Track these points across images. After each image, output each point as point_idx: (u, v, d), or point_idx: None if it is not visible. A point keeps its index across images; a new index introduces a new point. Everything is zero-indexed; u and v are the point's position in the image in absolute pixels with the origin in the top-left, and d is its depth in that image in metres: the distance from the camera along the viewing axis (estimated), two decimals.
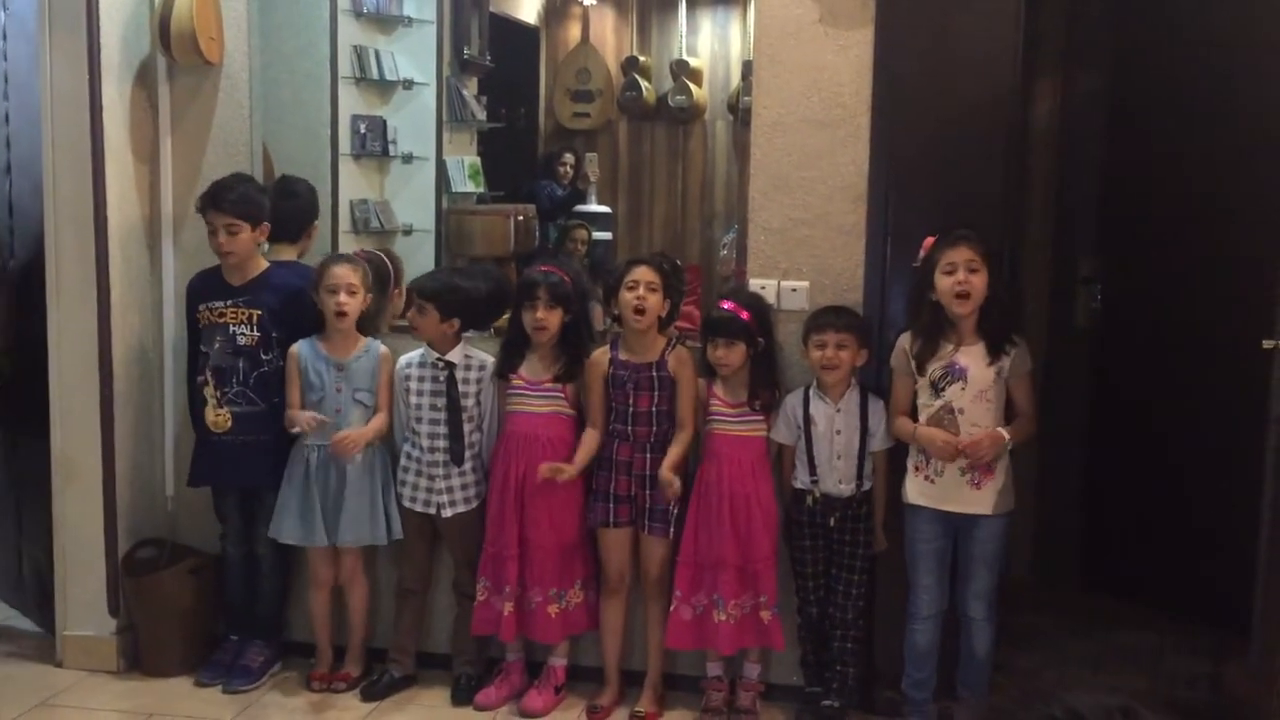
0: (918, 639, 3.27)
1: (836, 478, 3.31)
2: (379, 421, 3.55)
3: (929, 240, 3.17)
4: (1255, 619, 3.15)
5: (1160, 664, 3.78)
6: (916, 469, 3.23)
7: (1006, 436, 3.14)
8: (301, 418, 3.49)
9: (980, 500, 3.17)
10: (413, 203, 5.13)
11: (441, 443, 3.50)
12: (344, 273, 3.49)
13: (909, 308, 3.26)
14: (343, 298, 3.47)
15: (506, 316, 3.60)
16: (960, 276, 3.10)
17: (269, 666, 3.69)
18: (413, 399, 3.53)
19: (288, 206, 3.70)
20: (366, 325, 3.61)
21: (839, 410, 3.30)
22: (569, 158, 5.97)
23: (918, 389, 3.21)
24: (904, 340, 3.24)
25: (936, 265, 3.12)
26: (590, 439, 3.42)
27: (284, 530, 3.57)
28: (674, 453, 3.35)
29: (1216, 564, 3.81)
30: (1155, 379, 4.13)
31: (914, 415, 3.22)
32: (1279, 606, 2.85)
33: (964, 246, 3.10)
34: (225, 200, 3.50)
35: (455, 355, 3.51)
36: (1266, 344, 3.00)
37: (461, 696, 3.54)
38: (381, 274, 3.81)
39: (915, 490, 3.23)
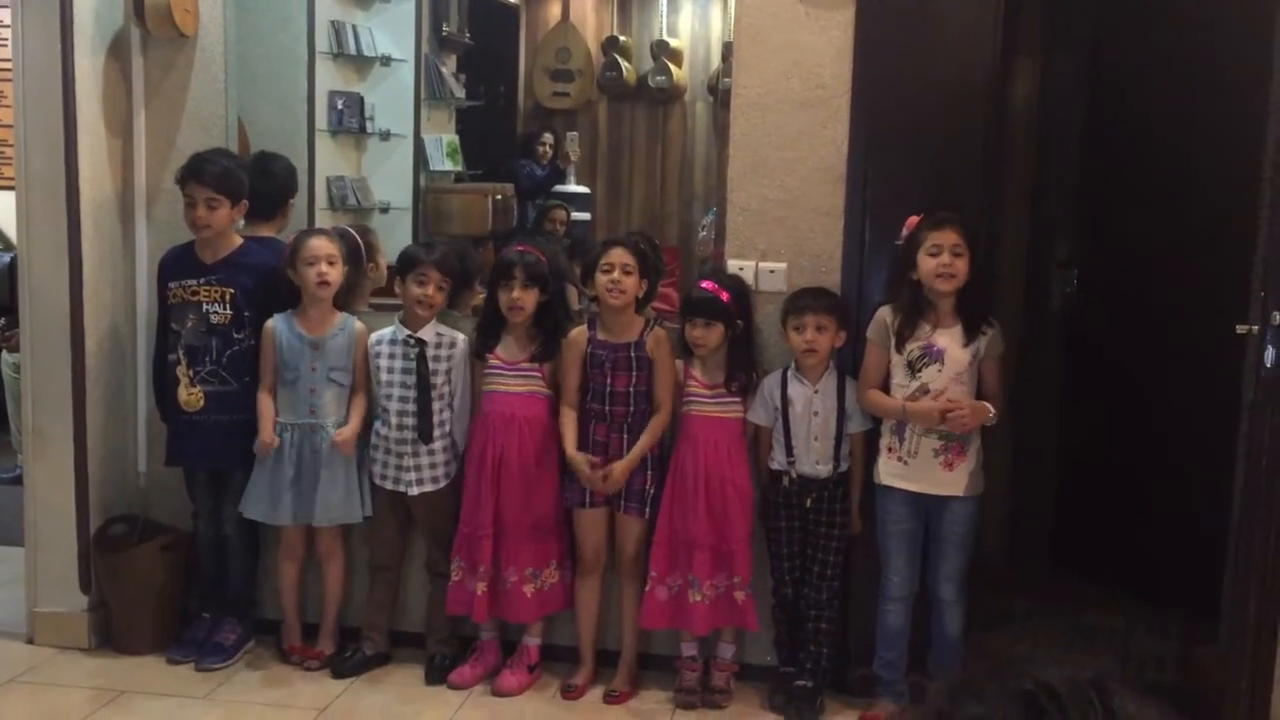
0: (889, 620, 3.29)
1: (813, 459, 3.31)
2: (360, 407, 3.54)
3: (913, 219, 3.17)
4: (1225, 603, 3.18)
5: (1130, 646, 3.81)
6: (889, 450, 3.24)
7: (991, 410, 3.15)
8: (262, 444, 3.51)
9: (952, 482, 3.19)
10: (390, 180, 5.11)
11: (410, 420, 3.48)
12: (322, 244, 3.47)
13: (890, 286, 3.27)
14: (324, 268, 3.45)
15: (483, 296, 3.59)
16: (945, 259, 3.10)
17: (241, 644, 3.67)
18: (383, 376, 3.51)
19: (264, 184, 3.67)
20: (342, 300, 3.60)
21: (817, 391, 3.30)
22: (548, 137, 5.94)
23: (893, 368, 3.21)
24: (884, 313, 3.23)
25: (921, 245, 3.12)
26: (568, 418, 3.41)
27: (251, 507, 3.56)
28: (641, 444, 3.35)
29: (1187, 547, 3.84)
30: (1129, 363, 4.15)
31: (885, 393, 3.23)
32: (1249, 590, 2.88)
33: (950, 229, 3.10)
34: (207, 173, 3.46)
35: (427, 333, 3.50)
36: (1241, 329, 3.02)
37: (435, 675, 3.54)
38: (354, 249, 3.79)
39: (887, 471, 3.24)
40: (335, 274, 3.47)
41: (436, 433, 3.49)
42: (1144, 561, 4.06)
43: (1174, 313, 3.98)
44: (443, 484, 3.52)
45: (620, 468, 3.34)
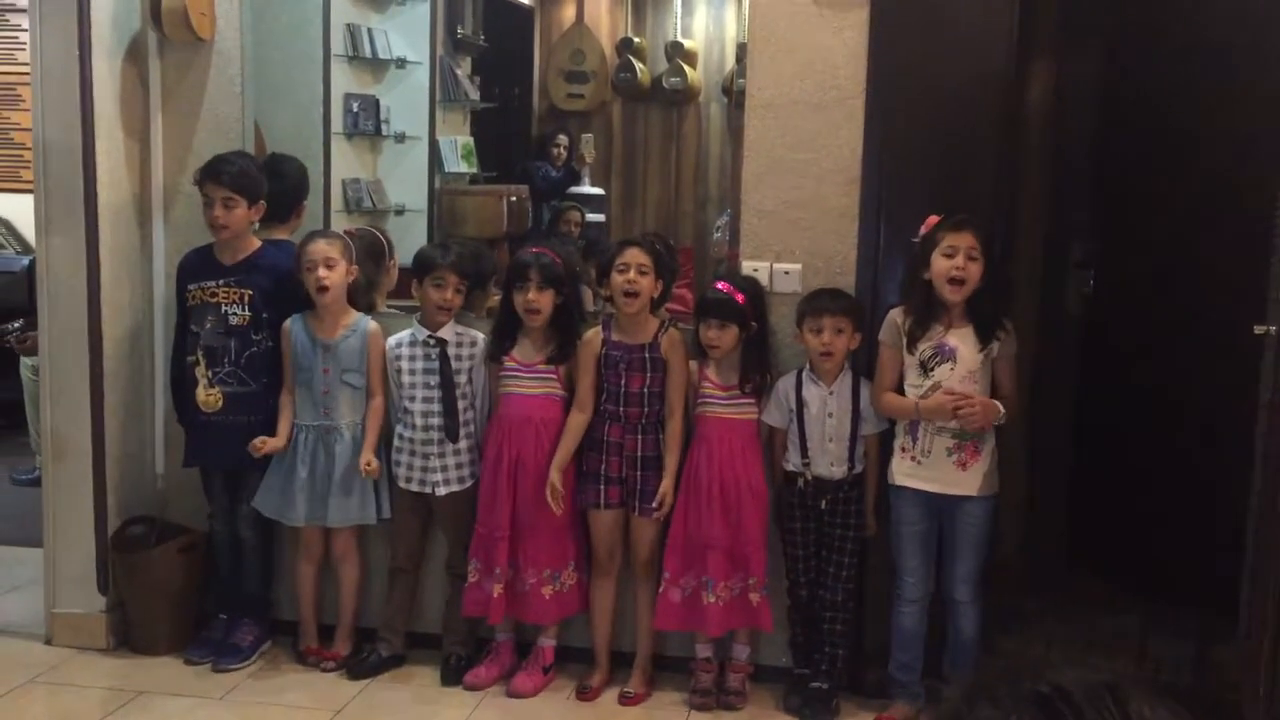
0: (904, 622, 3.28)
1: (828, 460, 3.31)
2: (377, 420, 3.54)
3: (932, 219, 3.17)
4: (1243, 603, 3.17)
5: (1146, 647, 3.79)
6: (903, 450, 3.23)
7: (1002, 409, 3.15)
8: (256, 444, 3.50)
9: (966, 482, 3.18)
10: (405, 182, 5.12)
11: (436, 420, 3.49)
12: (319, 248, 3.48)
13: (903, 284, 3.27)
14: (321, 272, 3.45)
15: (497, 298, 3.60)
16: (959, 262, 3.09)
17: (258, 645, 3.69)
18: (405, 378, 3.52)
19: (278, 186, 3.68)
20: (360, 299, 3.61)
21: (832, 393, 3.30)
22: (563, 139, 5.94)
23: (906, 369, 3.21)
24: (896, 315, 3.24)
25: (936, 245, 3.12)
26: (575, 423, 3.41)
27: (264, 502, 3.59)
28: (670, 463, 3.35)
29: (1204, 548, 3.82)
30: (1145, 364, 4.14)
31: (900, 395, 3.23)
32: (1267, 589, 2.86)
33: (968, 232, 3.10)
34: (225, 173, 3.48)
35: (446, 332, 3.51)
36: (1258, 329, 3.01)
37: (451, 676, 3.54)
38: (375, 248, 3.81)
39: (901, 471, 3.24)
40: (335, 277, 3.47)
41: (462, 431, 3.50)
42: (1160, 562, 4.05)
43: (1191, 313, 3.96)
44: (469, 484, 3.53)
45: (668, 490, 3.34)
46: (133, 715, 3.33)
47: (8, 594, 4.12)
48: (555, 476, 3.35)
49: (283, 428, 3.55)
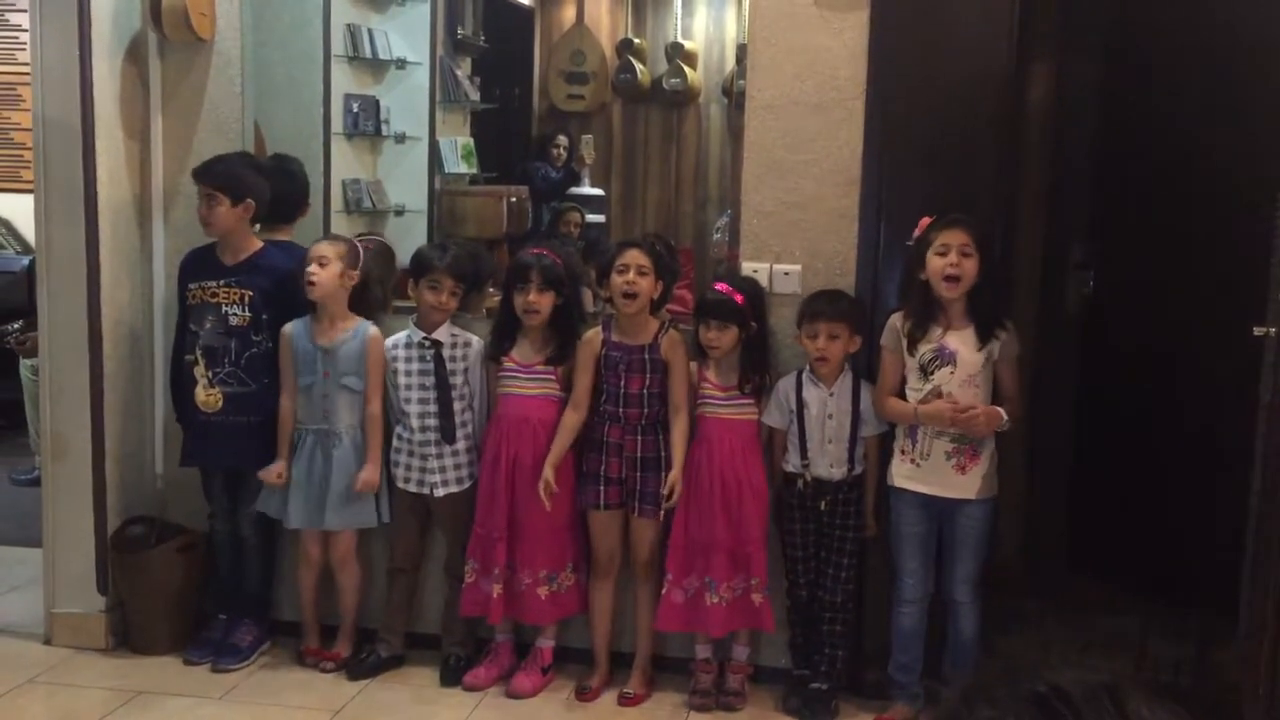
0: (903, 623, 3.28)
1: (828, 461, 3.31)
2: (375, 426, 3.53)
3: (925, 220, 3.17)
4: (1243, 603, 3.16)
5: (1146, 648, 3.79)
6: (903, 452, 3.23)
7: (1004, 416, 3.15)
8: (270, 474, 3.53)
9: (965, 485, 3.18)
10: (405, 183, 5.11)
11: (432, 421, 3.49)
12: (317, 247, 3.49)
13: (902, 287, 3.27)
14: (312, 268, 3.45)
15: (496, 298, 3.60)
16: (952, 259, 3.09)
17: (258, 645, 3.69)
18: (401, 380, 3.52)
19: (286, 187, 3.68)
20: (365, 309, 3.59)
21: (832, 394, 3.30)
22: (562, 140, 5.93)
23: (907, 371, 3.21)
24: (896, 319, 3.24)
25: (930, 245, 3.12)
26: (568, 421, 3.41)
27: (267, 504, 3.59)
28: (677, 455, 3.34)
29: (1204, 549, 3.82)
30: (1145, 365, 4.14)
31: (902, 399, 3.22)
32: (1266, 590, 2.86)
33: (960, 230, 3.10)
34: (209, 170, 3.51)
35: (441, 334, 3.51)
36: (1257, 331, 3.00)
37: (450, 677, 3.54)
38: (386, 253, 3.81)
39: (901, 474, 3.24)
40: (324, 275, 3.45)
41: (460, 433, 3.50)
42: (1160, 564, 4.04)
43: (1191, 315, 3.96)
44: (467, 485, 3.53)
45: (677, 478, 3.32)
46: (132, 715, 3.34)
47: (7, 594, 4.12)
48: (549, 473, 3.35)
49: (283, 450, 3.55)
